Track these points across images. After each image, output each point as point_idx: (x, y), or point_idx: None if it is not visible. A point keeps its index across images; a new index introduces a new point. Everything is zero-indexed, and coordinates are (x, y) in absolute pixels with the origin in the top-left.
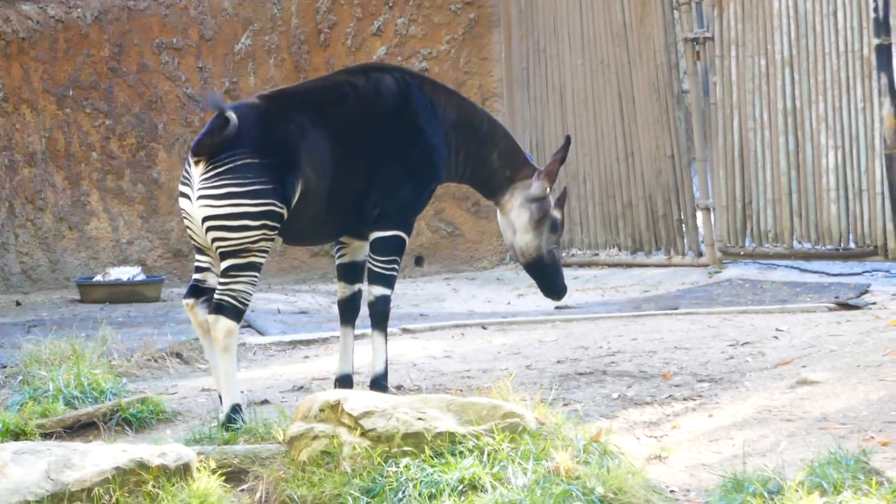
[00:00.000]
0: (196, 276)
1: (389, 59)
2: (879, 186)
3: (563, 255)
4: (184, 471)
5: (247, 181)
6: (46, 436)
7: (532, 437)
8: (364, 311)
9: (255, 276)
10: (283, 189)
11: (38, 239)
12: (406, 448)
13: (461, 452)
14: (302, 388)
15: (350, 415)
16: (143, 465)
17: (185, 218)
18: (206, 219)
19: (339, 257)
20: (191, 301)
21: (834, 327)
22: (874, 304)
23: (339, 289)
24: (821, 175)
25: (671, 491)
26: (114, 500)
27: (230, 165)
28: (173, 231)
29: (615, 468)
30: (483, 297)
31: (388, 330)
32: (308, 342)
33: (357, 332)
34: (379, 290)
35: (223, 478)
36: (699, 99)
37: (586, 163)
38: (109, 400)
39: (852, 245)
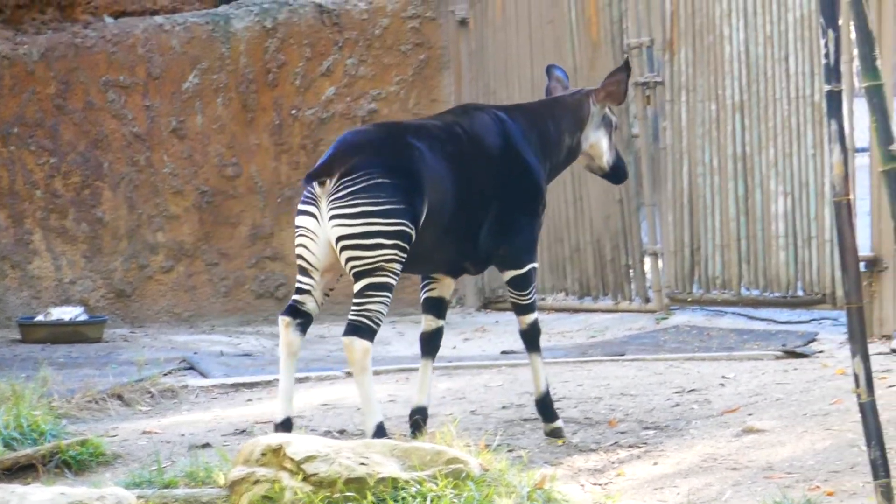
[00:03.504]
0: (296, 297)
1: (338, 100)
2: (828, 233)
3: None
4: None
5: (380, 200)
6: None
7: (476, 483)
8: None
9: (389, 297)
10: (413, 209)
11: None
12: (348, 493)
13: (404, 498)
14: (244, 431)
15: (292, 459)
16: None
17: (302, 235)
18: (340, 238)
19: (427, 291)
20: (287, 319)
21: (781, 375)
22: (821, 352)
23: (425, 322)
24: (770, 221)
25: None
26: None
27: (363, 185)
28: (117, 271)
29: None
30: None
31: (331, 373)
32: (251, 385)
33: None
34: (530, 318)
35: None
36: (649, 143)
37: None
38: (49, 441)
39: (800, 292)
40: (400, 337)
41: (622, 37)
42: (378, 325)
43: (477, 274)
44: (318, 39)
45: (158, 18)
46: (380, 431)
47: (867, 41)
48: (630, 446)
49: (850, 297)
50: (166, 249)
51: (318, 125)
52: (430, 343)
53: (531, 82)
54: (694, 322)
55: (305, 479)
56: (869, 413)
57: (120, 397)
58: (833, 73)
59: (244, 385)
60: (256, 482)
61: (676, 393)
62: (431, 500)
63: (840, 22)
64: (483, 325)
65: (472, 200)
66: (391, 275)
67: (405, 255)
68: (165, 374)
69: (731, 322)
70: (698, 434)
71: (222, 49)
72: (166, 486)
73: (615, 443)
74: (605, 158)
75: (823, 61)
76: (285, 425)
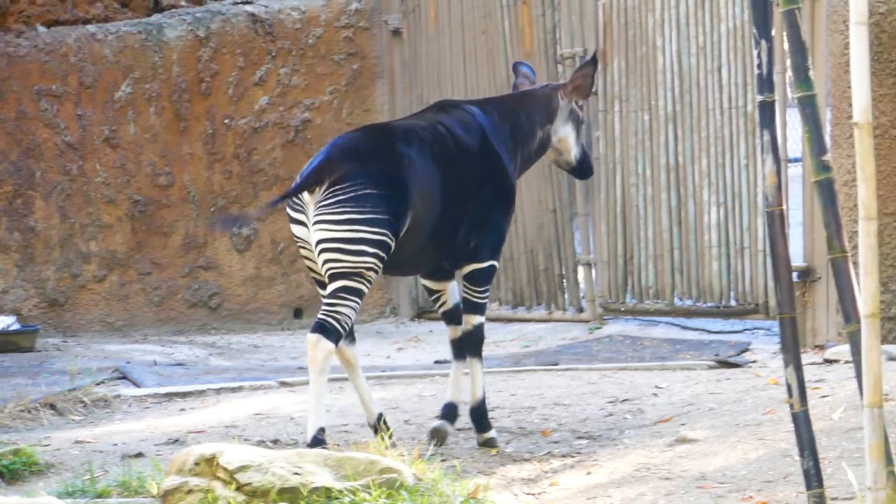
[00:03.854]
0: None
1: (271, 109)
2: (761, 244)
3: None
4: None
5: (366, 209)
6: None
7: (409, 492)
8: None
9: (359, 304)
10: (395, 221)
11: None
12: (282, 503)
13: None
14: (177, 441)
15: (225, 469)
16: None
17: (301, 247)
18: (321, 241)
19: (441, 305)
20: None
21: (714, 385)
22: (754, 362)
23: (450, 330)
24: (703, 232)
25: None
26: None
27: (351, 194)
28: (49, 280)
29: None
30: (362, 351)
31: (265, 383)
32: (184, 394)
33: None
34: (477, 319)
35: None
36: None
37: None
38: None
39: (733, 303)
40: None
41: (555, 47)
42: (345, 330)
43: (454, 270)
44: (251, 49)
45: (91, 27)
46: (319, 436)
47: (800, 51)
48: (563, 456)
49: (782, 307)
50: (99, 259)
51: (251, 134)
52: (461, 347)
53: (465, 92)
54: (627, 332)
55: (239, 488)
56: (802, 423)
57: (53, 406)
58: (766, 83)
59: (177, 394)
60: (190, 492)
61: (609, 403)
62: None
63: (773, 32)
64: (417, 334)
65: (454, 201)
66: (365, 282)
67: (381, 266)
68: (98, 384)
69: (664, 332)
70: (631, 444)
71: (155, 58)
72: (99, 496)
73: (548, 452)
74: (573, 153)
75: (756, 72)
76: (378, 420)
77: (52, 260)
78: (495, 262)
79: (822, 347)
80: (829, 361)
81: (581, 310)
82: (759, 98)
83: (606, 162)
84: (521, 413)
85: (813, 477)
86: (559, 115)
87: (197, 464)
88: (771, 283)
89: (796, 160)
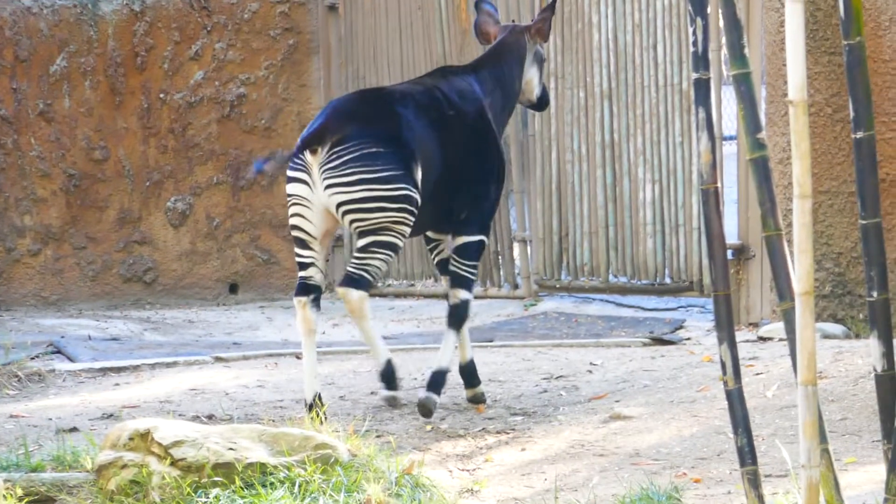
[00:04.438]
0: (302, 273)
1: (207, 84)
2: (696, 221)
3: (380, 285)
4: None
5: (377, 167)
6: None
7: (344, 468)
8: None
9: (391, 256)
10: (411, 175)
11: None
12: (216, 478)
13: (272, 483)
14: (112, 415)
15: (160, 444)
16: None
17: (295, 203)
18: (341, 204)
19: (437, 254)
20: (303, 299)
21: (648, 362)
22: (688, 339)
23: (446, 281)
24: (638, 209)
25: None
26: None
27: (357, 153)
28: None
29: (427, 501)
30: None
31: (200, 358)
32: (119, 369)
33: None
34: (464, 294)
35: None
36: (517, 130)
37: None
38: None
39: (668, 280)
40: (269, 322)
41: None
42: (374, 280)
43: (447, 234)
44: (187, 23)
45: (26, 1)
46: (389, 366)
47: (735, 29)
48: (498, 432)
49: (717, 284)
50: (34, 233)
51: (186, 109)
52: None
53: (400, 68)
54: (562, 309)
55: (173, 463)
56: (736, 400)
57: None
58: (701, 60)
59: (112, 369)
60: (124, 467)
61: (544, 379)
62: (300, 486)
63: (708, 10)
64: None
65: (451, 165)
66: (397, 235)
67: (413, 218)
68: (33, 358)
69: (598, 309)
70: (566, 420)
71: (90, 32)
72: (33, 470)
73: (483, 429)
74: (536, 92)
75: (692, 49)
76: (314, 400)
77: None
78: (485, 238)
79: (756, 325)
80: (763, 339)
81: (516, 286)
82: (695, 75)
83: (542, 139)
84: (456, 389)
85: (747, 454)
86: (527, 58)
87: (131, 439)
88: (705, 261)
89: (731, 138)
